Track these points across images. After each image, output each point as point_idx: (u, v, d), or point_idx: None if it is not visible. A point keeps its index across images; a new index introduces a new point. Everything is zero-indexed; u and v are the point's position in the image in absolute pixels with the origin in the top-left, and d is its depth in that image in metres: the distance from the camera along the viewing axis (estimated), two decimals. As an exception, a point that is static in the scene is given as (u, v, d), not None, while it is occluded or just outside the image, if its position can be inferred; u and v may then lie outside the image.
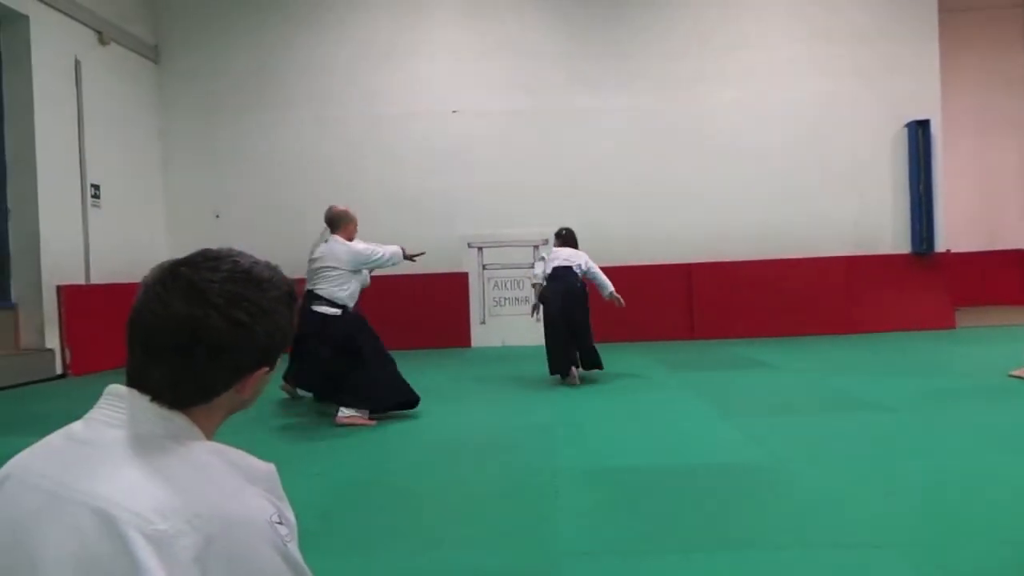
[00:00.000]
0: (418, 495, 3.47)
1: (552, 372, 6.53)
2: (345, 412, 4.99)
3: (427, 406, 5.72)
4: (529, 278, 7.46)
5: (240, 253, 1.00)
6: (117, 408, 0.93)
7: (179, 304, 0.92)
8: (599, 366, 6.57)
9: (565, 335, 6.39)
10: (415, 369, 8.14)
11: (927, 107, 9.99)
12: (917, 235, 9.98)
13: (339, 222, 5.56)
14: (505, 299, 10.17)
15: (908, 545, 2.57)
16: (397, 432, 4.88)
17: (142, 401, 0.93)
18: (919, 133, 9.94)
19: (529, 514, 3.08)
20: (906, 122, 10.04)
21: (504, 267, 10.18)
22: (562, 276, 6.50)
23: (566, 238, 6.99)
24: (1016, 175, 12.77)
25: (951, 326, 9.83)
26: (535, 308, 6.97)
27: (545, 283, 6.59)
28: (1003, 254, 12.69)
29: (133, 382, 0.94)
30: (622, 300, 6.67)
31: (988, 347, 8.01)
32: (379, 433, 4.84)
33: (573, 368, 6.42)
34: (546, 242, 10.14)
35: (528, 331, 9.46)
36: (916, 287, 9.94)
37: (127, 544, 0.81)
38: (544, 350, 6.61)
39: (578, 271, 6.57)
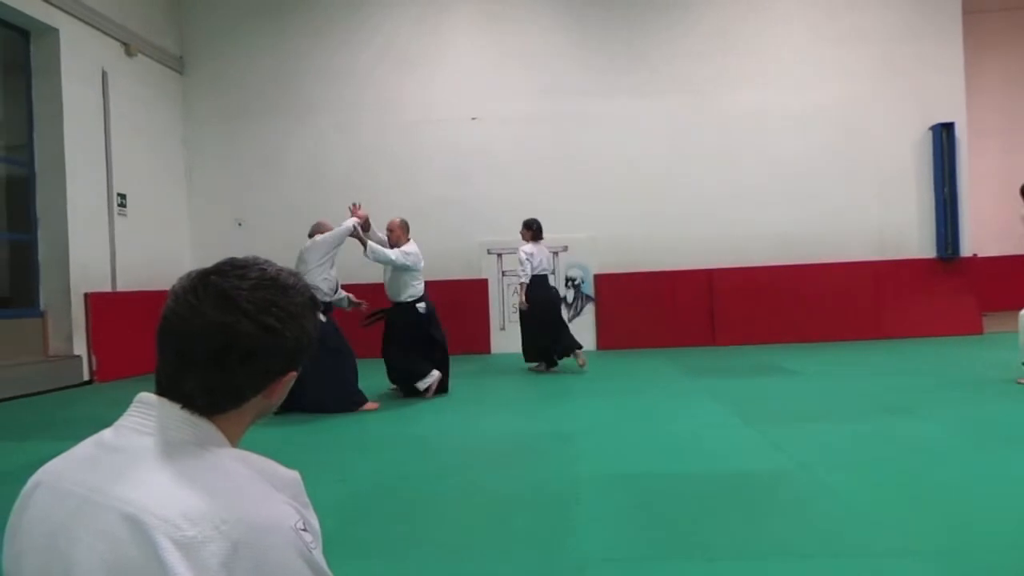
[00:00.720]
0: (439, 501, 3.47)
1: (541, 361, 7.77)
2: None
3: (448, 413, 5.74)
4: (519, 277, 7.78)
5: (266, 261, 1.03)
6: (147, 416, 0.95)
7: (211, 312, 0.94)
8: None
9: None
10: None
11: (951, 110, 9.86)
12: (943, 240, 9.83)
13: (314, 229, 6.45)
14: (525, 305, 10.15)
15: (935, 553, 2.53)
16: (418, 438, 4.89)
17: (172, 409, 0.95)
18: (943, 136, 9.80)
19: (551, 521, 3.07)
20: (930, 125, 9.91)
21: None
22: (544, 283, 7.61)
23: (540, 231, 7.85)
24: (1043, 178, 12.54)
25: (978, 331, 9.66)
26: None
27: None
28: (1031, 258, 12.45)
29: (164, 390, 0.96)
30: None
31: (1015, 352, 7.85)
32: (400, 439, 4.86)
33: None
34: (566, 248, 10.14)
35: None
36: (942, 292, 9.79)
37: (157, 549, 0.82)
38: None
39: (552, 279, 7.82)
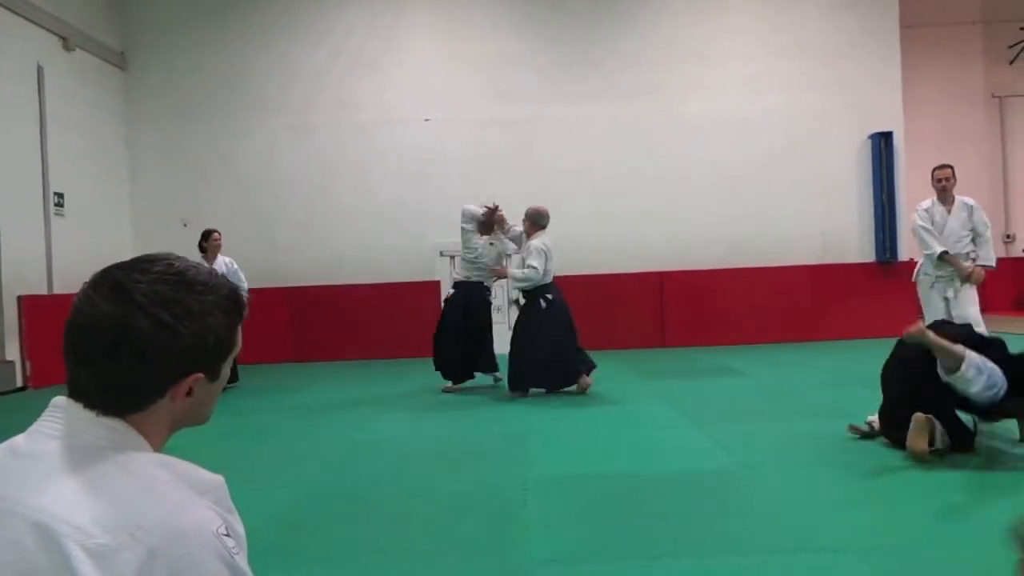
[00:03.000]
0: (386, 506, 3.44)
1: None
2: None
3: (396, 416, 5.69)
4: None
5: (179, 258, 0.98)
6: (57, 419, 0.91)
7: (103, 304, 0.90)
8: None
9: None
10: (385, 378, 8.09)
11: (890, 119, 10.24)
12: (881, 244, 10.19)
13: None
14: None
15: (869, 550, 2.61)
16: (365, 442, 4.84)
17: (83, 411, 0.91)
18: (882, 145, 10.17)
19: (499, 523, 3.07)
20: (870, 134, 10.27)
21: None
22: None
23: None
24: (976, 186, 13.09)
25: (915, 333, 10.02)
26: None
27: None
28: (964, 263, 12.99)
29: (69, 390, 0.93)
30: None
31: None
32: (347, 443, 4.80)
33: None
34: (517, 250, 10.15)
35: (500, 340, 9.47)
36: (881, 295, 10.13)
37: (67, 558, 0.79)
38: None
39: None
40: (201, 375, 0.96)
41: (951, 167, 5.88)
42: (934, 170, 5.91)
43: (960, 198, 5.85)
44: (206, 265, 0.99)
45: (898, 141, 10.21)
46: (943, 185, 5.82)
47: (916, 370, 3.77)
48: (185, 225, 10.35)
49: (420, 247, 10.22)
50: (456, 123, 10.38)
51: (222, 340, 0.97)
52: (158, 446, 0.96)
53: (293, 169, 10.42)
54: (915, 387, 3.81)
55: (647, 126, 10.36)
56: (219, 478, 0.94)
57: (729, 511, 3.12)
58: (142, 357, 0.90)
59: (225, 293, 0.98)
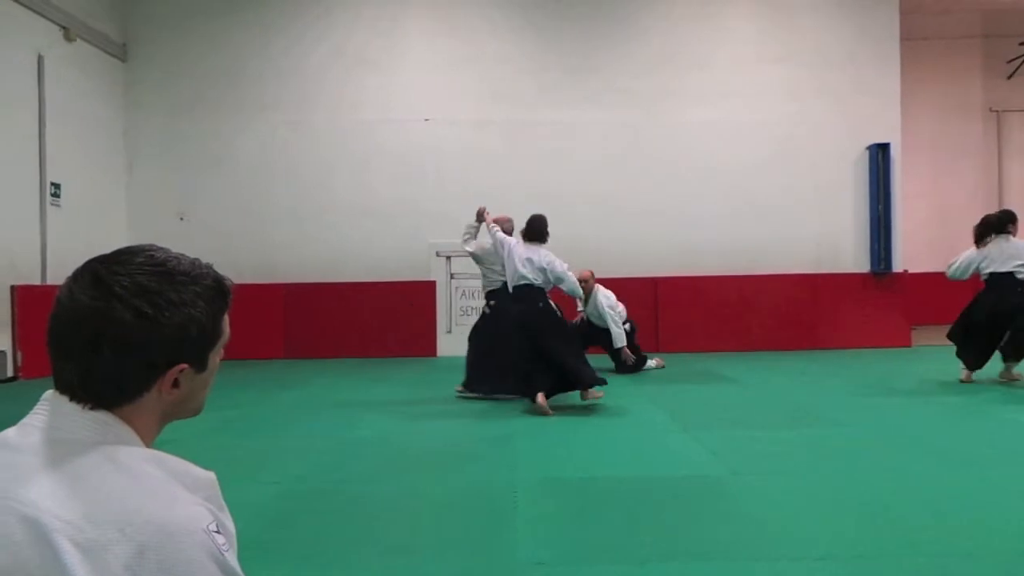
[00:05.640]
0: (375, 505, 3.44)
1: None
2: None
3: (388, 415, 5.69)
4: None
5: (161, 249, 0.97)
6: (46, 413, 0.92)
7: (84, 296, 0.90)
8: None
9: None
10: (379, 378, 8.09)
11: (887, 131, 10.28)
12: (876, 255, 10.23)
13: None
14: (472, 308, 10.14)
15: (858, 558, 2.63)
16: (356, 441, 4.84)
17: (72, 405, 0.91)
18: (879, 156, 10.21)
19: (486, 524, 3.07)
20: (867, 145, 10.31)
21: (472, 276, 10.15)
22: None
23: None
24: (970, 199, 13.18)
25: (907, 344, 10.07)
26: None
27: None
28: (958, 276, 13.05)
29: (55, 383, 0.93)
30: None
31: (940, 365, 8.22)
32: (337, 441, 4.80)
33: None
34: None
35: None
36: (874, 306, 10.18)
37: (56, 552, 0.79)
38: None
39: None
40: (187, 366, 0.95)
41: None
42: None
43: None
44: (188, 256, 0.99)
45: (895, 153, 10.25)
46: None
47: None
48: (182, 219, 10.34)
49: (417, 246, 10.22)
50: (455, 124, 10.40)
51: (206, 330, 0.96)
52: (149, 439, 0.96)
53: (291, 166, 10.42)
54: None
55: (645, 132, 10.39)
56: (211, 475, 0.94)
57: (717, 517, 3.14)
58: (124, 349, 0.90)
59: (208, 283, 0.97)
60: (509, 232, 6.30)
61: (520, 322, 5.76)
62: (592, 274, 7.96)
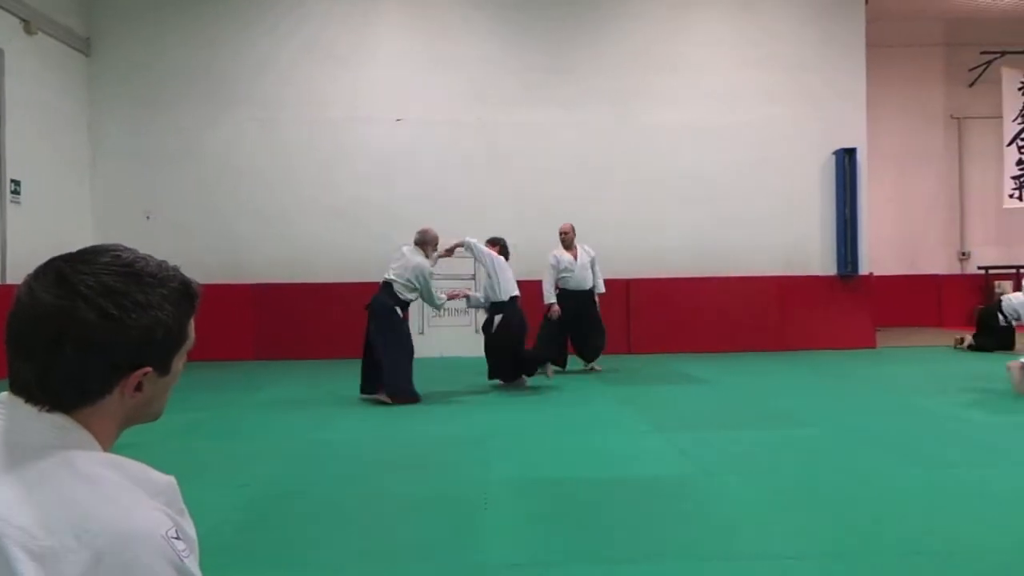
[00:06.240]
0: (346, 507, 3.40)
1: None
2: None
3: (357, 416, 5.64)
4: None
5: (127, 249, 0.95)
6: (0, 416, 0.88)
7: (46, 295, 0.87)
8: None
9: None
10: (351, 379, 8.00)
11: (854, 136, 10.47)
12: (843, 258, 10.41)
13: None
14: (445, 310, 10.10)
15: (825, 556, 2.66)
16: (325, 443, 4.78)
17: (28, 408, 0.88)
18: (846, 161, 10.40)
19: (458, 526, 3.06)
20: (834, 150, 10.49)
21: (445, 278, 10.10)
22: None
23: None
24: (934, 204, 13.49)
25: (872, 345, 10.27)
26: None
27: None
28: (921, 278, 13.35)
29: (10, 384, 0.90)
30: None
31: (905, 367, 8.41)
32: (308, 444, 4.74)
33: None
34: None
35: (467, 343, 9.46)
36: (841, 308, 10.36)
37: (9, 560, 0.77)
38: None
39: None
40: (150, 369, 0.93)
41: None
42: None
43: None
44: (155, 257, 0.97)
45: (861, 157, 10.44)
46: None
47: None
48: (148, 217, 10.14)
49: (387, 247, 10.12)
50: (428, 124, 10.33)
51: (172, 333, 0.94)
52: (107, 443, 0.93)
53: (258, 163, 10.25)
54: None
55: (618, 133, 10.44)
56: (170, 479, 0.92)
57: (689, 517, 3.16)
58: (87, 350, 0.87)
59: (175, 286, 0.95)
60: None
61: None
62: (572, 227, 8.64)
